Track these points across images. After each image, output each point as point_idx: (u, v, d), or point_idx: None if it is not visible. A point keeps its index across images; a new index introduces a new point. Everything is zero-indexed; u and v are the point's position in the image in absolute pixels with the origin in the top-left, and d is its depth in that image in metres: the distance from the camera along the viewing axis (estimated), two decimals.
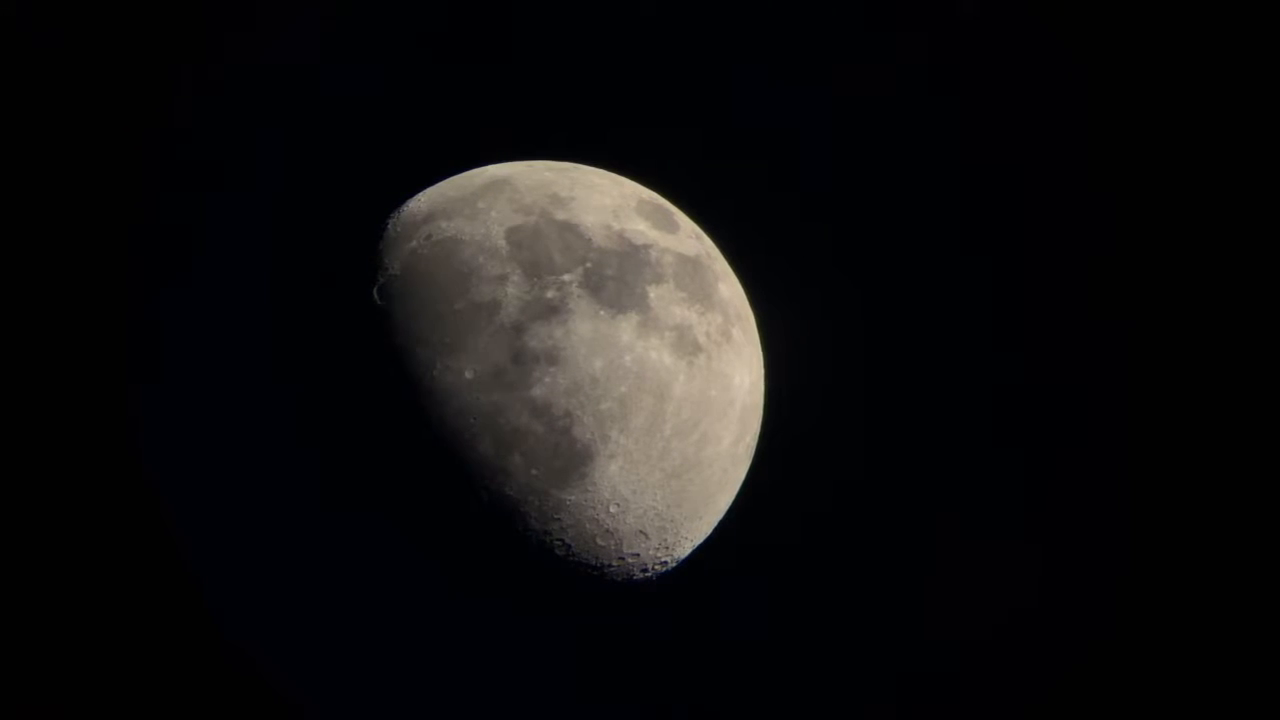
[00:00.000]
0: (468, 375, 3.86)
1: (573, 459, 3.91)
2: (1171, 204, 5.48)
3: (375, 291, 4.08)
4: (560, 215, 4.14)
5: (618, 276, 4.03)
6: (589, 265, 4.02)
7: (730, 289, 4.50)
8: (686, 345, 4.09)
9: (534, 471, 3.90)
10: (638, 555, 4.25)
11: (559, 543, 4.05)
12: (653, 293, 4.07)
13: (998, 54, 5.72)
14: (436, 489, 3.96)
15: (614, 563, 4.22)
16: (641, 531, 4.16)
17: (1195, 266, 5.46)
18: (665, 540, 4.29)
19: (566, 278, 3.97)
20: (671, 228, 4.38)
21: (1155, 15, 5.43)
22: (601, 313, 3.95)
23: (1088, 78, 5.61)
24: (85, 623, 5.45)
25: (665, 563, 4.44)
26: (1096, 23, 5.53)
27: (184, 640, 5.52)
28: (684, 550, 4.48)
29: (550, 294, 3.93)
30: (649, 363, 3.97)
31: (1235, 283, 5.39)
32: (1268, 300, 5.32)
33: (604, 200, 4.28)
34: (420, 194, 4.50)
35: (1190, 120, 5.43)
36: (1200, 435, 5.42)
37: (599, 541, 4.10)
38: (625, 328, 3.96)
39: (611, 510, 4.03)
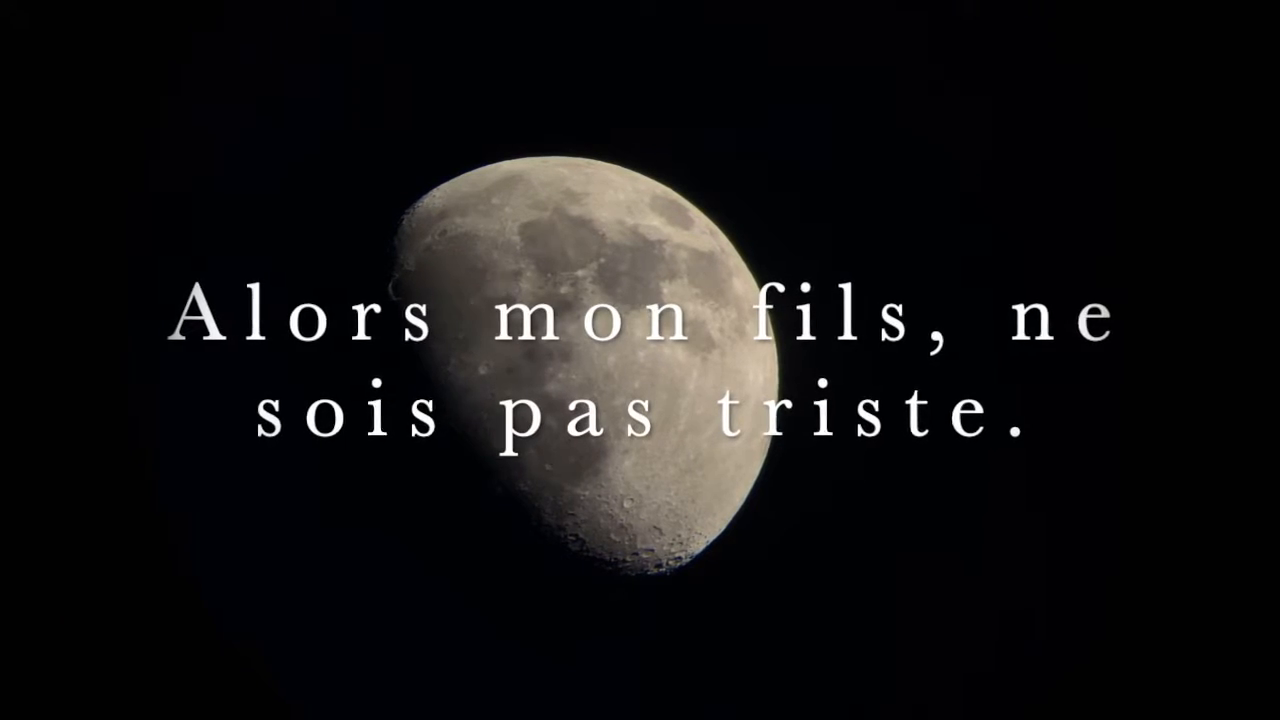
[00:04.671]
0: (481, 371, 3.86)
1: (586, 454, 3.91)
2: (1172, 203, 5.51)
3: (390, 287, 4.07)
4: (574, 211, 4.13)
5: (631, 272, 4.03)
6: (603, 261, 4.01)
7: (744, 285, 4.50)
8: (700, 341, 4.09)
9: (548, 467, 3.90)
10: (652, 550, 4.25)
11: (573, 538, 4.05)
12: (667, 288, 4.07)
13: (998, 54, 5.74)
14: (450, 484, 3.96)
15: (628, 558, 4.22)
16: (656, 527, 4.16)
17: (1191, 267, 5.48)
18: (679, 535, 4.29)
19: (580, 273, 3.97)
20: (686, 223, 4.38)
21: (1156, 14, 5.46)
22: (615, 308, 3.95)
23: (1087, 77, 5.63)
24: (85, 623, 5.42)
25: (680, 558, 4.45)
26: (1096, 22, 5.56)
27: (184, 640, 5.49)
28: (698, 546, 4.49)
29: (564, 289, 3.93)
30: (663, 358, 3.97)
31: (1231, 284, 5.42)
32: (1264, 301, 5.35)
33: (618, 196, 4.27)
34: (435, 190, 4.50)
35: (1192, 120, 5.46)
36: (1198, 436, 5.45)
37: (613, 537, 4.10)
38: (639, 323, 3.96)
39: (625, 505, 4.03)
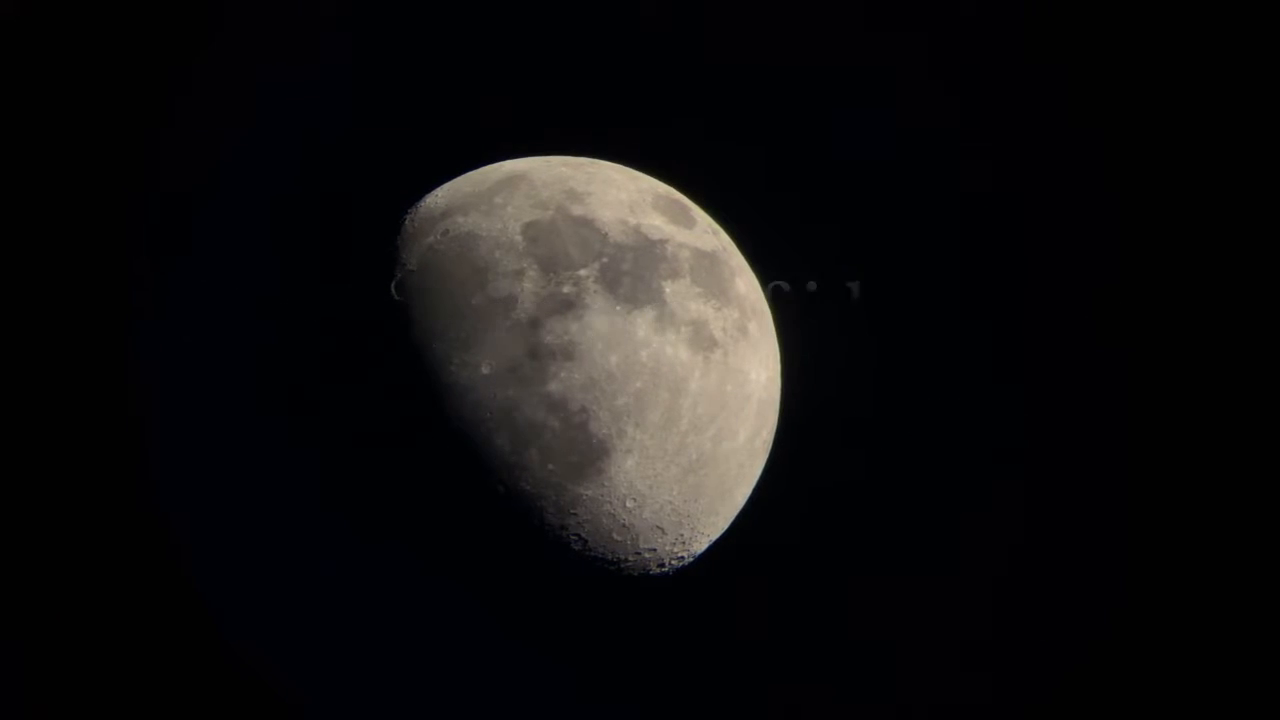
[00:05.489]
0: (484, 370, 3.86)
1: (589, 454, 3.91)
2: (1173, 203, 5.52)
3: (393, 287, 4.07)
4: (576, 210, 4.13)
5: (634, 271, 4.03)
6: (605, 260, 4.01)
7: (747, 284, 4.49)
8: (703, 340, 4.08)
9: (550, 466, 3.89)
10: (654, 550, 4.25)
11: (575, 537, 4.05)
12: (669, 288, 4.07)
13: (999, 54, 5.74)
14: (452, 484, 3.96)
15: (630, 558, 4.21)
16: (658, 527, 4.16)
17: (1195, 274, 5.49)
18: (682, 535, 4.29)
19: (583, 273, 3.96)
20: (688, 223, 4.38)
21: (1157, 17, 5.46)
22: (618, 308, 3.94)
23: (1088, 78, 5.64)
24: (85, 623, 5.42)
25: (682, 558, 4.45)
26: (1097, 23, 5.56)
27: (184, 640, 5.49)
28: (700, 545, 4.48)
29: (566, 289, 3.93)
30: (665, 358, 3.97)
31: (1233, 291, 5.43)
32: (1266, 309, 5.36)
33: (620, 195, 4.27)
34: (437, 189, 4.50)
35: (1192, 120, 5.46)
36: (1200, 439, 5.45)
37: (615, 536, 4.10)
38: (641, 323, 3.96)
39: (628, 505, 4.02)
